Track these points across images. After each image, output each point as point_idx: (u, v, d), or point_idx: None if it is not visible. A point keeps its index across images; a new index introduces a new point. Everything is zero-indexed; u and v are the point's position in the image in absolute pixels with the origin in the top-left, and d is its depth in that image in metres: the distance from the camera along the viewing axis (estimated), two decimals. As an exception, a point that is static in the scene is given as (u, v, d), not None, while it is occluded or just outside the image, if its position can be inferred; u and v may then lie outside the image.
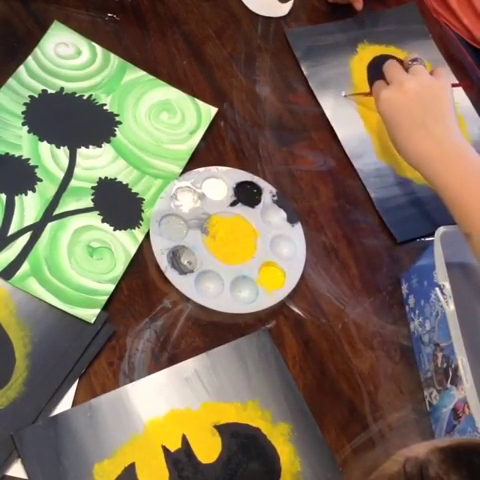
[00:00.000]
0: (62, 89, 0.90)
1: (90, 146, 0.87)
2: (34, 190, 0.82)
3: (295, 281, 0.85)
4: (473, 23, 1.20)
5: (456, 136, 0.84)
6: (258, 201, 0.89)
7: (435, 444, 0.50)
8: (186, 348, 0.78)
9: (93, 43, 0.94)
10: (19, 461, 0.68)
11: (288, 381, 0.79)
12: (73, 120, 0.89)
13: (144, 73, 0.95)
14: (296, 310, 0.85)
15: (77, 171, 0.85)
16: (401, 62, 0.91)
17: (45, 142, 0.86)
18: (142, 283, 0.81)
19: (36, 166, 0.84)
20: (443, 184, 0.82)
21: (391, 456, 0.53)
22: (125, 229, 0.83)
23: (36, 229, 0.80)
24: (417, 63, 0.88)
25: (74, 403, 0.72)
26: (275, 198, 0.90)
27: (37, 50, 0.91)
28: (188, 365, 0.77)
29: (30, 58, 0.90)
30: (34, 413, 0.70)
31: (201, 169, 0.89)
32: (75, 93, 0.90)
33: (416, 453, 0.50)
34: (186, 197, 0.87)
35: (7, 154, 0.83)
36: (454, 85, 0.91)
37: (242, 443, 0.74)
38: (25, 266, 0.77)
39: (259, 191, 0.90)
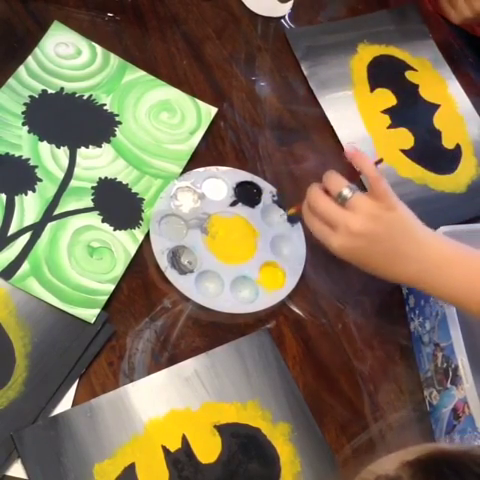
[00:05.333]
0: (62, 89, 0.90)
1: (90, 146, 0.87)
2: (34, 190, 0.82)
3: (295, 281, 0.85)
4: None
5: (427, 243, 0.75)
6: (258, 201, 0.89)
7: (403, 458, 0.49)
8: (186, 348, 0.78)
9: (93, 43, 0.94)
10: (19, 461, 0.68)
11: (288, 381, 0.79)
12: (73, 120, 0.89)
13: (144, 73, 0.95)
14: (296, 310, 0.85)
15: (77, 171, 0.85)
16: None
17: (45, 142, 0.86)
18: (142, 283, 0.81)
19: (36, 166, 0.84)
20: (444, 292, 0.76)
21: (358, 474, 0.52)
22: (125, 229, 0.83)
23: (36, 229, 0.80)
24: (351, 194, 0.74)
25: (74, 403, 0.72)
26: (275, 198, 0.90)
27: (37, 50, 0.91)
28: (188, 365, 0.77)
29: (30, 58, 0.90)
30: (34, 413, 0.70)
31: (201, 169, 0.89)
32: (75, 93, 0.90)
33: (385, 470, 0.49)
34: (186, 197, 0.87)
35: (7, 154, 0.83)
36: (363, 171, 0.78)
37: (242, 443, 0.74)
38: (25, 266, 0.77)
39: (259, 191, 0.90)
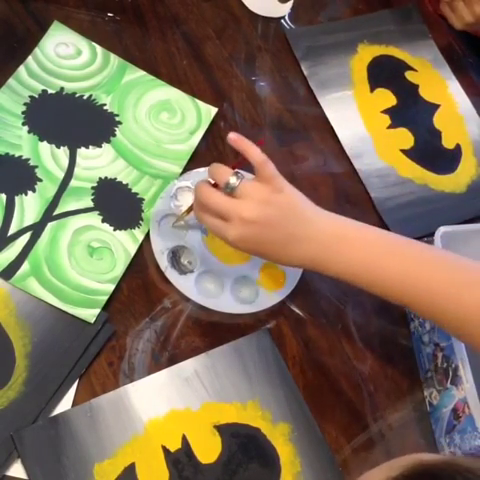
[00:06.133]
0: (62, 89, 0.90)
1: (90, 146, 0.87)
2: (34, 190, 0.82)
3: (295, 281, 0.85)
4: None
5: (325, 224, 0.74)
6: (258, 201, 0.89)
7: (388, 474, 0.48)
8: (186, 348, 0.78)
9: (93, 43, 0.94)
10: (19, 461, 0.68)
11: (288, 381, 0.79)
12: (73, 120, 0.89)
13: (144, 73, 0.95)
14: (296, 310, 0.85)
15: (77, 171, 0.85)
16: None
17: (45, 142, 0.86)
18: (142, 283, 0.81)
19: (36, 166, 0.84)
20: (343, 271, 0.73)
21: None
22: (125, 229, 0.83)
23: (36, 229, 0.80)
24: (238, 182, 0.72)
25: (74, 403, 0.72)
26: (275, 198, 0.90)
27: (37, 50, 0.91)
28: (188, 365, 0.77)
29: (30, 58, 0.90)
30: (34, 413, 0.70)
31: (201, 169, 0.89)
32: (75, 93, 0.90)
33: None
34: (186, 197, 0.87)
35: (7, 154, 0.83)
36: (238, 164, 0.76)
37: (242, 443, 0.74)
38: (25, 266, 0.77)
39: (259, 191, 0.90)
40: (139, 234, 0.83)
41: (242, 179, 0.72)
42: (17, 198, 0.81)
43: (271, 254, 0.75)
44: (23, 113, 0.86)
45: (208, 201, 0.73)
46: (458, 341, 0.76)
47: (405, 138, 1.03)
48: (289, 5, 1.07)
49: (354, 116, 1.01)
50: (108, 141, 0.88)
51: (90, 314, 0.76)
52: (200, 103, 0.94)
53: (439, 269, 0.73)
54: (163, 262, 0.81)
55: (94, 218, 0.82)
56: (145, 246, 0.82)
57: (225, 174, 0.73)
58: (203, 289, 0.82)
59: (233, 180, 0.72)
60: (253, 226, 0.72)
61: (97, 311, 0.77)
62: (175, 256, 0.82)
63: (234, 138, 0.74)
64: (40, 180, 0.83)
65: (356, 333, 0.85)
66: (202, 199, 0.74)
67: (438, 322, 0.75)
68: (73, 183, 0.84)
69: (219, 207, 0.73)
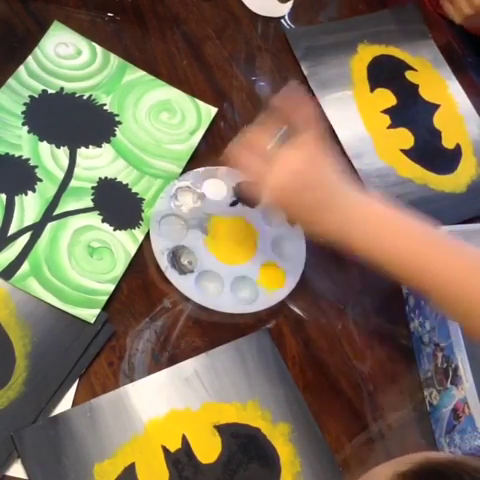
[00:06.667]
0: (62, 89, 0.90)
1: (90, 146, 0.87)
2: (34, 190, 0.82)
3: (295, 281, 0.85)
4: None
5: (353, 199, 0.73)
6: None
7: (396, 469, 0.49)
8: (186, 348, 0.78)
9: (93, 43, 0.94)
10: (19, 461, 0.68)
11: (288, 381, 0.79)
12: (73, 120, 0.89)
13: (144, 73, 0.95)
14: (296, 310, 0.85)
15: (77, 171, 0.85)
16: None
17: (45, 142, 0.86)
18: (142, 283, 0.81)
19: (36, 166, 0.84)
20: (365, 247, 0.73)
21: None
22: (125, 229, 0.83)
23: (36, 229, 0.80)
24: (273, 145, 0.72)
25: (74, 403, 0.72)
26: (275, 198, 0.90)
27: (37, 50, 0.91)
28: (188, 365, 0.77)
29: (30, 58, 0.90)
30: (34, 413, 0.70)
31: (201, 169, 0.89)
32: (75, 93, 0.90)
33: None
34: (186, 197, 0.87)
35: (7, 154, 0.83)
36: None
37: (242, 443, 0.74)
38: (25, 266, 0.77)
39: (259, 191, 0.90)
40: (139, 234, 0.83)
41: (283, 140, 0.72)
42: (17, 198, 0.81)
43: (302, 212, 0.74)
44: (23, 113, 0.86)
45: (259, 142, 0.72)
46: (458, 341, 0.76)
47: (405, 138, 1.03)
48: (289, 5, 1.07)
49: (354, 116, 1.01)
50: (108, 141, 0.88)
51: (90, 314, 0.76)
52: (200, 103, 0.94)
53: (454, 255, 0.73)
54: (163, 262, 0.81)
55: (94, 218, 0.82)
56: (145, 246, 0.82)
57: (277, 128, 0.73)
58: (203, 289, 0.82)
59: (283, 130, 0.72)
60: (296, 176, 0.71)
61: (97, 311, 0.77)
62: (175, 256, 0.82)
63: (282, 99, 0.74)
64: (40, 180, 0.83)
65: (356, 333, 0.85)
66: (253, 139, 0.73)
67: (446, 307, 0.74)
68: (73, 183, 0.84)
69: (248, 169, 0.72)
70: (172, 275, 0.81)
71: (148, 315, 0.79)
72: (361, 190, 0.75)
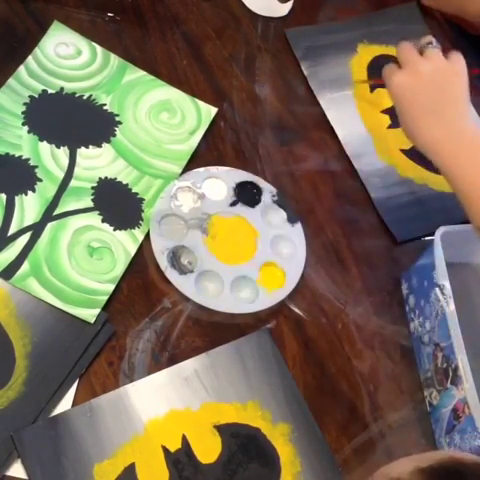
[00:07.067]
0: (62, 89, 0.90)
1: (90, 146, 0.87)
2: (34, 190, 0.82)
3: (295, 281, 0.85)
4: None
5: (468, 122, 0.80)
6: (258, 201, 0.89)
7: (417, 464, 0.50)
8: (186, 348, 0.78)
9: (93, 43, 0.94)
10: (19, 461, 0.68)
11: (288, 381, 0.79)
12: (73, 120, 0.89)
13: (144, 73, 0.95)
14: (296, 310, 0.84)
15: (77, 171, 0.85)
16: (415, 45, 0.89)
17: (45, 142, 0.86)
18: (142, 283, 0.81)
19: (36, 166, 0.84)
20: (454, 172, 0.79)
21: (372, 474, 0.52)
22: (125, 229, 0.83)
23: (36, 229, 0.80)
24: (432, 46, 0.83)
25: (74, 403, 0.72)
26: (275, 198, 0.90)
27: (37, 50, 0.91)
28: (188, 365, 0.77)
29: (30, 58, 0.90)
30: (34, 413, 0.70)
31: (201, 169, 0.89)
32: (75, 93, 0.90)
33: (398, 473, 0.50)
34: (186, 197, 0.87)
35: (7, 154, 0.83)
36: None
37: (242, 443, 0.74)
38: (25, 266, 0.77)
39: (259, 191, 0.90)
40: (139, 234, 0.83)
41: (435, 46, 0.83)
42: (17, 198, 0.81)
43: (410, 117, 0.82)
44: (23, 113, 0.86)
45: (400, 49, 0.84)
46: (458, 341, 0.76)
47: (405, 138, 1.03)
48: (289, 5, 1.07)
49: (354, 116, 1.01)
50: (108, 141, 0.88)
51: (90, 314, 0.76)
52: (200, 103, 0.94)
53: None
54: (163, 262, 0.81)
55: (94, 218, 0.82)
56: (145, 246, 0.82)
57: (428, 37, 0.85)
58: (203, 289, 0.82)
59: (434, 42, 0.84)
60: (417, 80, 0.81)
61: (97, 311, 0.77)
62: (175, 256, 0.82)
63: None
64: (40, 180, 0.83)
65: (356, 333, 0.85)
66: (398, 48, 0.84)
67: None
68: (73, 183, 0.84)
69: (403, 54, 0.83)
70: (172, 275, 0.81)
71: (148, 315, 0.79)
72: (474, 117, 0.83)
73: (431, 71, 0.81)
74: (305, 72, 1.03)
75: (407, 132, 0.84)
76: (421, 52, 0.83)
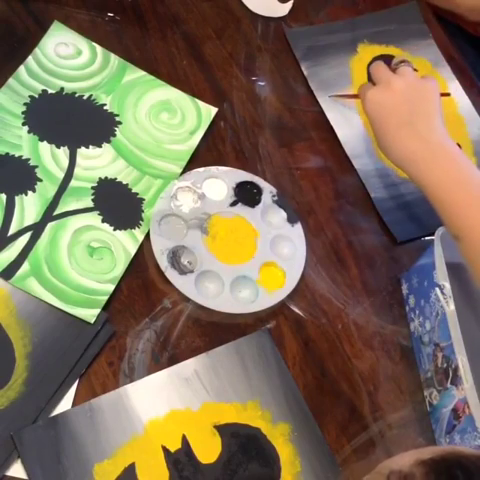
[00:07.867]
0: (62, 89, 0.90)
1: (90, 146, 0.87)
2: (34, 190, 0.82)
3: (295, 281, 0.85)
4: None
5: (441, 135, 0.83)
6: (258, 201, 0.89)
7: (419, 456, 0.50)
8: (186, 348, 0.78)
9: (93, 43, 0.94)
10: (19, 461, 0.68)
11: (288, 381, 0.79)
12: (73, 120, 0.89)
13: (144, 73, 0.95)
14: (296, 310, 0.85)
15: (77, 171, 0.85)
16: (389, 64, 0.90)
17: (45, 142, 0.86)
18: (142, 283, 0.81)
19: (36, 166, 0.84)
20: (429, 183, 0.81)
21: (374, 468, 0.53)
22: (125, 229, 0.83)
23: (36, 229, 0.80)
24: (404, 64, 0.88)
25: (74, 403, 0.72)
26: (275, 198, 0.90)
27: (37, 50, 0.91)
28: (188, 365, 0.77)
29: (30, 58, 0.90)
30: (34, 413, 0.70)
31: (201, 169, 0.89)
32: (75, 93, 0.90)
33: (400, 466, 0.50)
34: (186, 197, 0.87)
35: (7, 154, 0.83)
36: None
37: (242, 443, 0.74)
38: (25, 266, 0.77)
39: (259, 191, 0.90)
40: (139, 234, 0.83)
41: (410, 65, 0.88)
42: (17, 198, 0.81)
43: (384, 132, 0.85)
44: (23, 113, 0.87)
45: (373, 67, 0.89)
46: (458, 341, 0.76)
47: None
48: (289, 5, 1.07)
49: (354, 116, 1.01)
50: (108, 141, 0.88)
51: (90, 314, 0.76)
52: (200, 103, 0.94)
53: None
54: (163, 262, 0.81)
55: (94, 218, 0.82)
56: (145, 246, 0.82)
57: (400, 57, 0.91)
58: (203, 289, 0.82)
59: (402, 59, 0.89)
60: (391, 96, 0.84)
61: (97, 311, 0.77)
62: (175, 256, 0.82)
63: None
64: (40, 180, 0.83)
65: (356, 333, 0.85)
66: (371, 67, 0.90)
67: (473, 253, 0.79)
68: (73, 183, 0.84)
69: (376, 72, 0.88)
70: (172, 275, 0.81)
71: (148, 315, 0.79)
72: (447, 136, 0.83)
73: (404, 87, 0.85)
74: (305, 72, 1.03)
75: (382, 147, 0.86)
76: (394, 70, 0.88)
